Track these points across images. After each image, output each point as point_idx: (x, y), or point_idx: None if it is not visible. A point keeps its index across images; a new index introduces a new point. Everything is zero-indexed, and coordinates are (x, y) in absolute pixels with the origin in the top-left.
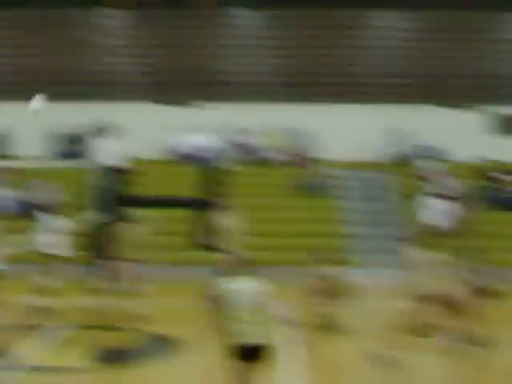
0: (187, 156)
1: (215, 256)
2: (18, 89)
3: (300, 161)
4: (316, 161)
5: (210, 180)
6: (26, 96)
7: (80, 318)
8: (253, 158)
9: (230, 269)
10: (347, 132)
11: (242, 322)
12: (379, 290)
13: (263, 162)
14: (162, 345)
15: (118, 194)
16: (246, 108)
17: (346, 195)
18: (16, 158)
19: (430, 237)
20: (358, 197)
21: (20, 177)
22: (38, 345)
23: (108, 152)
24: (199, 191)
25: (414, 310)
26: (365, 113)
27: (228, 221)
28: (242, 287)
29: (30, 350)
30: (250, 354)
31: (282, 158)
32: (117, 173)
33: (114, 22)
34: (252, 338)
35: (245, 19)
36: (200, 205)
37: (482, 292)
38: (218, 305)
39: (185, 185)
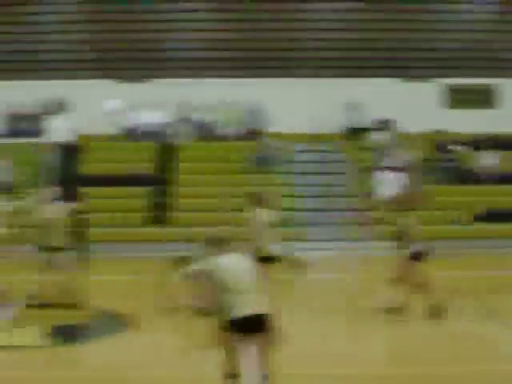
0: (139, 132)
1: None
2: None
3: (252, 135)
4: (268, 135)
5: (162, 156)
6: None
7: (29, 296)
8: (205, 133)
9: (212, 244)
10: (301, 106)
11: (241, 295)
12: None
13: (215, 138)
14: (112, 321)
15: (69, 172)
16: (198, 83)
17: (297, 169)
18: None
19: (382, 208)
20: (309, 170)
21: None
22: None
23: (58, 129)
24: (152, 167)
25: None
26: (319, 86)
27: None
28: (234, 261)
29: None
30: (252, 325)
31: (235, 132)
32: (67, 150)
33: None
34: (255, 308)
35: None
36: (154, 181)
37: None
38: (204, 280)
39: (137, 161)
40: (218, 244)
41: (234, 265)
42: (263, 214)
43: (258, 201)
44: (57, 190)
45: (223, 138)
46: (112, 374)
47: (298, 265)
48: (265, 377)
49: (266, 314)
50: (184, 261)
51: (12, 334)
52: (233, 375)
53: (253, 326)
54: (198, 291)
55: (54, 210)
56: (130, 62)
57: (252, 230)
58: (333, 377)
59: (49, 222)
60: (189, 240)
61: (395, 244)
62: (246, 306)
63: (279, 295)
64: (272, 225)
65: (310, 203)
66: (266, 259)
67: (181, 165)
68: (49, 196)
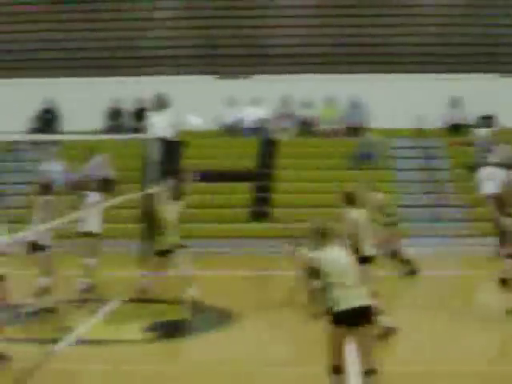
0: (240, 128)
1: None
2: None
3: (353, 131)
4: (369, 130)
5: (263, 152)
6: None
7: (130, 291)
8: (306, 129)
9: (315, 238)
10: (403, 101)
11: (346, 288)
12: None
13: (316, 133)
14: (216, 316)
15: (173, 167)
16: (299, 79)
17: (399, 165)
18: (67, 132)
19: (488, 205)
20: (412, 166)
21: (72, 151)
22: (92, 319)
23: (160, 125)
24: (253, 163)
25: None
26: (421, 81)
27: None
28: (338, 254)
29: (86, 325)
30: (357, 317)
31: (336, 128)
32: (169, 146)
33: None
34: (359, 301)
35: None
36: (256, 177)
37: None
38: (311, 274)
39: (239, 157)
40: (323, 236)
41: (338, 258)
42: (357, 213)
43: (351, 199)
44: (169, 188)
45: (324, 134)
46: (215, 368)
47: (406, 263)
48: (368, 372)
49: (370, 307)
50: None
51: (115, 328)
52: (337, 370)
53: (358, 319)
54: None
55: (171, 209)
56: (231, 58)
57: (348, 229)
58: (435, 374)
59: (166, 221)
60: (289, 236)
61: (498, 242)
62: (351, 299)
63: (386, 293)
64: (365, 224)
65: (413, 200)
66: (363, 259)
67: (281, 161)
68: (165, 194)
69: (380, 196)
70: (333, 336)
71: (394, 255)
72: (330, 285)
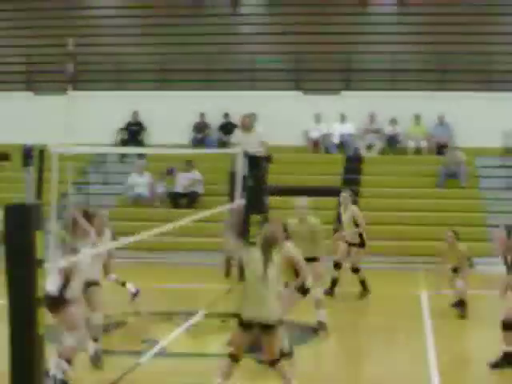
0: (327, 144)
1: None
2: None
3: (440, 149)
4: (457, 149)
5: (349, 168)
6: (164, 85)
7: (218, 304)
8: (392, 146)
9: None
10: (491, 120)
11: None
12: None
13: (403, 151)
14: (303, 331)
15: (260, 182)
16: (386, 96)
17: (487, 183)
18: (155, 145)
19: None
20: (501, 185)
21: (160, 164)
22: (177, 332)
23: (248, 140)
24: (341, 180)
25: None
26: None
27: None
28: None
29: (171, 337)
30: None
31: (423, 146)
32: (257, 161)
33: (248, 10)
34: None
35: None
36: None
37: None
38: None
39: (327, 173)
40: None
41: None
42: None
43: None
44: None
45: (411, 151)
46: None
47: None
48: None
49: None
50: None
51: (200, 341)
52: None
53: None
54: None
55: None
56: (319, 73)
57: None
58: None
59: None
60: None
61: None
62: None
63: None
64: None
65: (500, 220)
66: None
67: (367, 177)
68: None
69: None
70: None
71: None
72: None
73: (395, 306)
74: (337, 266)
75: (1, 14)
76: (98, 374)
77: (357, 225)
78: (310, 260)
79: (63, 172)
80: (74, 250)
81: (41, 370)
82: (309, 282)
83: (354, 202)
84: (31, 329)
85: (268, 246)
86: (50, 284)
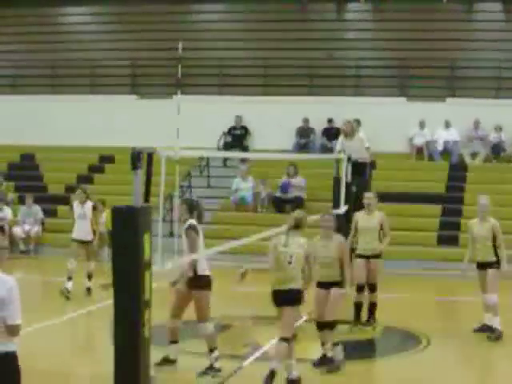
0: (432, 151)
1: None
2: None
3: None
4: None
5: (455, 176)
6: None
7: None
8: (498, 153)
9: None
10: None
11: None
12: None
13: (510, 158)
14: (404, 338)
15: (364, 188)
16: (492, 103)
17: None
18: (259, 150)
19: None
20: None
21: (263, 169)
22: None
23: (353, 146)
24: (445, 187)
25: None
26: None
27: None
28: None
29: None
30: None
31: None
32: (360, 167)
33: (352, 16)
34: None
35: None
36: (444, 200)
37: None
38: None
39: (431, 180)
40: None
41: None
42: None
43: None
44: None
45: None
46: None
47: None
48: None
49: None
50: None
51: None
52: None
53: None
54: None
55: None
56: (425, 79)
57: None
58: None
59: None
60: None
61: None
62: None
63: None
64: None
65: None
66: None
67: (471, 185)
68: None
69: None
70: None
71: None
72: None
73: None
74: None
75: (107, 17)
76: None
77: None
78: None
79: (169, 175)
80: None
81: (146, 372)
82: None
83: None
84: (137, 330)
85: (295, 227)
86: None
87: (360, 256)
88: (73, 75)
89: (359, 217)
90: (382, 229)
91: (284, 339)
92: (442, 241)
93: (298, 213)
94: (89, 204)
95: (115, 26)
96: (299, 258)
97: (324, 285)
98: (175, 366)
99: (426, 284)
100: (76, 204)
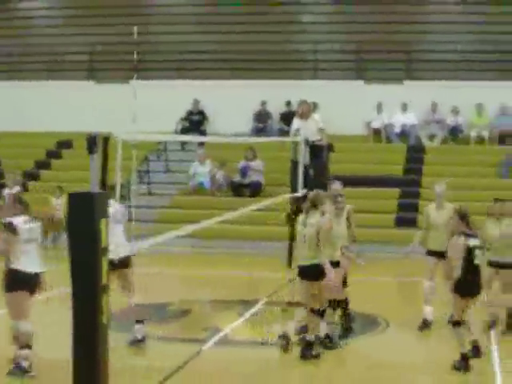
0: (389, 133)
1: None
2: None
3: (503, 138)
4: None
5: (410, 158)
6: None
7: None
8: (454, 135)
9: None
10: None
11: None
12: None
13: (465, 140)
14: (365, 321)
15: (319, 171)
16: (449, 86)
17: None
18: (217, 134)
19: None
20: None
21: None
22: (238, 320)
23: (308, 129)
24: (402, 169)
25: None
26: None
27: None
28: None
29: (233, 325)
30: None
31: (487, 135)
32: (316, 150)
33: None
34: None
35: None
36: (402, 183)
37: None
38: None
39: (389, 163)
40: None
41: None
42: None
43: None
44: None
45: (472, 141)
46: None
47: None
48: None
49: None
50: None
51: (260, 330)
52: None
53: None
54: None
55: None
56: (381, 63)
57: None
58: None
59: None
60: None
61: None
62: None
63: None
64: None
65: None
66: None
67: (429, 167)
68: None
69: None
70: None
71: None
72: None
73: None
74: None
75: (63, 2)
76: (160, 361)
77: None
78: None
79: (126, 160)
80: None
81: (104, 357)
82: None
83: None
84: (95, 317)
85: (312, 206)
86: None
87: None
88: (30, 61)
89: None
90: None
91: (315, 311)
92: (400, 223)
93: (312, 193)
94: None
95: (72, 12)
96: (312, 237)
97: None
98: None
99: (385, 266)
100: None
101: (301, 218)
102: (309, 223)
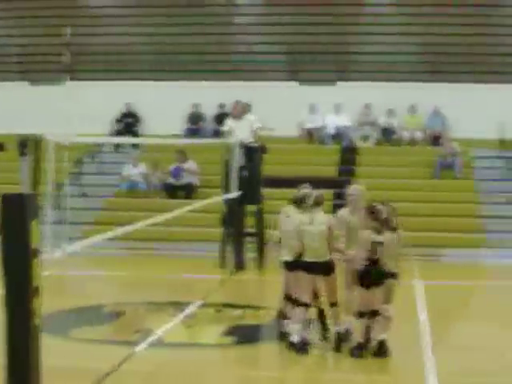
0: (322, 135)
1: None
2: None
3: (434, 140)
4: (451, 140)
5: (344, 159)
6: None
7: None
8: (387, 137)
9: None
10: (485, 110)
11: None
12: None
13: (397, 142)
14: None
15: (253, 173)
16: (382, 87)
17: (481, 175)
18: (150, 135)
19: None
20: (494, 177)
21: (155, 155)
22: (171, 322)
23: (242, 130)
24: (334, 170)
25: None
26: (505, 91)
27: None
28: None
29: (166, 327)
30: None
31: (418, 137)
32: (250, 151)
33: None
34: None
35: None
36: (335, 184)
37: None
38: None
39: (322, 164)
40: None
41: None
42: None
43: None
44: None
45: (405, 143)
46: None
47: None
48: None
49: None
50: None
51: (194, 331)
52: None
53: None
54: None
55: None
56: (314, 64)
57: None
58: None
59: None
60: None
61: None
62: None
63: None
64: None
65: (494, 210)
66: None
67: (362, 168)
68: None
69: None
70: None
71: None
72: None
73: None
74: None
75: None
76: (94, 363)
77: None
78: None
79: (59, 162)
80: None
81: (36, 359)
82: None
83: None
84: (27, 319)
85: (316, 205)
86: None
87: None
88: None
89: None
90: None
91: (332, 304)
92: None
93: (315, 192)
94: None
95: (4, 13)
96: (323, 234)
97: None
98: None
99: None
100: None
101: (301, 217)
102: (317, 221)
